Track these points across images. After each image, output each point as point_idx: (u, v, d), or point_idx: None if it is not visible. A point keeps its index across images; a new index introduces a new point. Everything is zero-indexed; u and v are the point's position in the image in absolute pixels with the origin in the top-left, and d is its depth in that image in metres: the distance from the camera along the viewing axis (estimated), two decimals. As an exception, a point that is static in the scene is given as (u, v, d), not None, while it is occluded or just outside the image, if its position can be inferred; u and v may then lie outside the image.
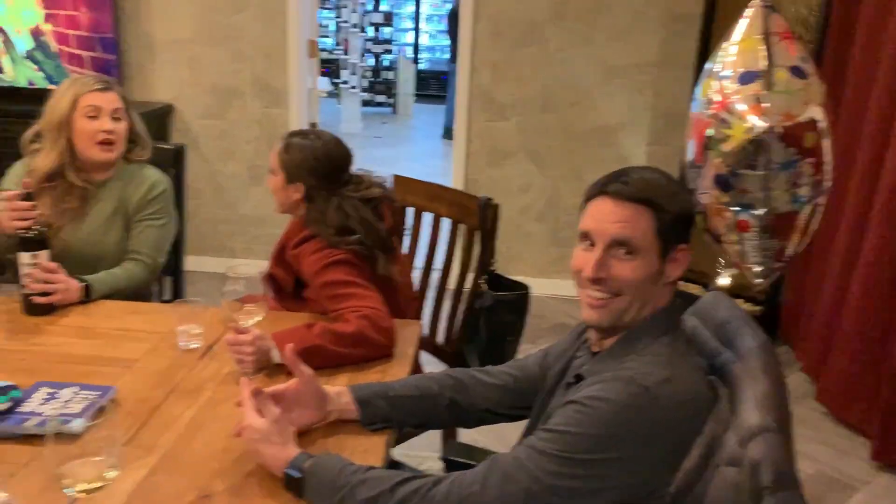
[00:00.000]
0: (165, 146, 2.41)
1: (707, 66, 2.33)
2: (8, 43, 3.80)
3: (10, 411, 1.33)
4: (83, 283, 1.86)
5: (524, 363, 1.44)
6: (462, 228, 2.17)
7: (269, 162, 1.84)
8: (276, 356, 1.55)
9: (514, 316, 2.08)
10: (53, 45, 3.78)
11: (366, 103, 9.79)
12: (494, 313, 2.05)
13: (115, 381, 1.49)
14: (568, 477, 1.03)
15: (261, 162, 4.05)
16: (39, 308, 1.78)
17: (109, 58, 3.78)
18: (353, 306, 1.64)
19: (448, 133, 9.15)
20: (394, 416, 1.38)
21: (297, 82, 3.96)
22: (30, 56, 3.81)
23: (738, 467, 0.96)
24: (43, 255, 1.77)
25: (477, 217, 2.07)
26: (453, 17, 9.01)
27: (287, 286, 1.94)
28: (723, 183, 2.21)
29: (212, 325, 1.71)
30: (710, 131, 2.20)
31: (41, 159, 2.03)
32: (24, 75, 3.85)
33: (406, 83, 10.49)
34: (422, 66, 11.81)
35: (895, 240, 2.64)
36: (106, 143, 2.03)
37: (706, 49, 3.56)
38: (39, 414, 1.33)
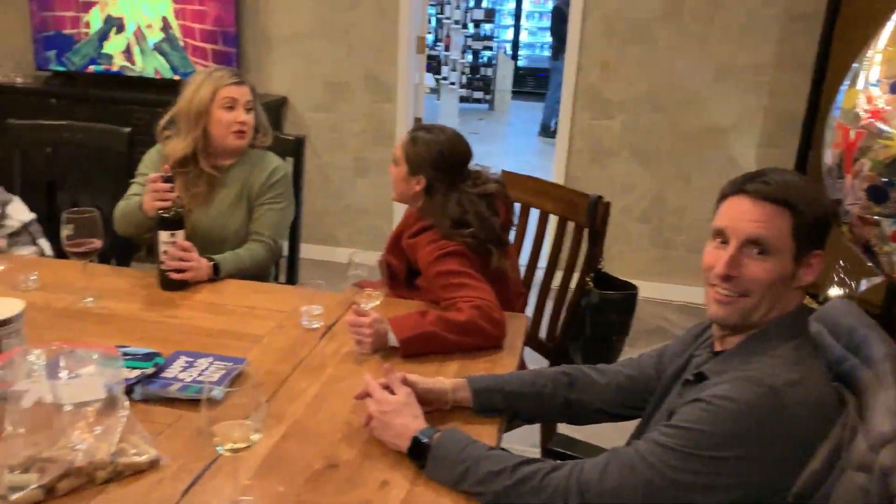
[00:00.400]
0: (287, 136, 2.52)
1: (851, 72, 2.24)
2: (140, 35, 4.05)
3: (154, 376, 1.44)
4: (212, 262, 1.99)
5: (639, 362, 1.45)
6: (570, 226, 2.18)
7: (394, 153, 1.91)
8: (392, 339, 1.61)
9: (621, 315, 2.08)
10: (180, 39, 4.00)
11: (463, 99, 9.87)
12: (600, 312, 2.05)
13: (245, 354, 1.59)
14: (689, 472, 1.04)
15: (367, 154, 4.18)
16: (174, 283, 1.91)
17: (230, 51, 3.97)
18: (465, 296, 1.69)
19: (545, 130, 9.12)
20: (507, 410, 1.42)
21: (405, 77, 4.06)
22: (158, 48, 4.05)
23: (867, 473, 0.95)
24: (179, 235, 1.90)
25: (586, 215, 2.08)
26: (557, 15, 8.96)
27: (400, 274, 2.01)
28: (876, 194, 2.14)
29: (330, 308, 1.80)
30: (862, 141, 2.12)
31: (175, 145, 2.16)
32: (151, 66, 4.09)
33: (504, 80, 10.51)
34: (520, 63, 11.81)
35: None
36: (239, 133, 2.16)
37: (827, 51, 3.44)
38: (181, 380, 1.44)
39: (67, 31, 4.09)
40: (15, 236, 2.38)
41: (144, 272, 2.01)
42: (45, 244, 2.40)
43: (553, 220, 2.25)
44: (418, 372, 1.43)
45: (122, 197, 2.21)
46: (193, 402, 1.34)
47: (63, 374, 1.24)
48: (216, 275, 2.00)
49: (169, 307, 1.84)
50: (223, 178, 2.20)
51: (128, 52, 4.09)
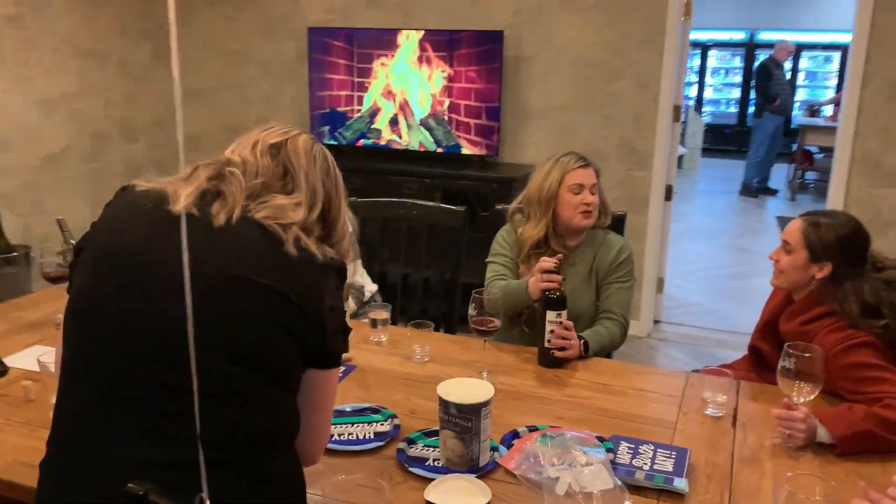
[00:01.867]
0: (616, 214, 2.58)
1: None
2: (407, 110, 4.33)
3: (613, 462, 1.48)
4: (583, 340, 2.05)
5: None
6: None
7: (786, 239, 1.89)
8: (823, 435, 1.57)
9: None
10: (445, 114, 4.25)
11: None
12: None
13: (664, 440, 1.60)
14: None
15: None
16: (555, 361, 1.98)
17: (493, 125, 4.16)
18: (890, 391, 1.63)
19: (746, 190, 8.81)
20: None
21: (663, 145, 4.07)
22: (423, 123, 4.32)
23: None
24: (563, 315, 1.97)
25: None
26: (763, 71, 8.74)
27: (771, 360, 1.97)
28: None
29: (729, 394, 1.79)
30: None
31: (529, 230, 2.27)
32: (417, 140, 4.36)
33: (694, 137, 10.32)
34: (705, 120, 11.56)
35: None
36: (586, 213, 2.24)
37: None
38: (637, 467, 1.47)
39: (341, 109, 4.45)
40: (365, 304, 2.58)
41: (520, 347, 2.10)
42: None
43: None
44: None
45: (459, 271, 2.36)
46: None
47: (579, 460, 1.30)
48: (585, 352, 2.05)
49: (561, 385, 1.90)
50: (572, 258, 2.28)
51: (395, 126, 4.38)
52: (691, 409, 1.77)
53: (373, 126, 4.43)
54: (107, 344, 1.10)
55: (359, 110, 4.43)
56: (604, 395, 1.85)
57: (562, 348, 1.97)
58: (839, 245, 1.81)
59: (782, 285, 1.94)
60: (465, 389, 1.50)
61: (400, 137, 4.39)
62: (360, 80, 4.38)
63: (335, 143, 4.49)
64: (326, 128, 4.50)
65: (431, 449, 1.55)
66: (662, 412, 1.76)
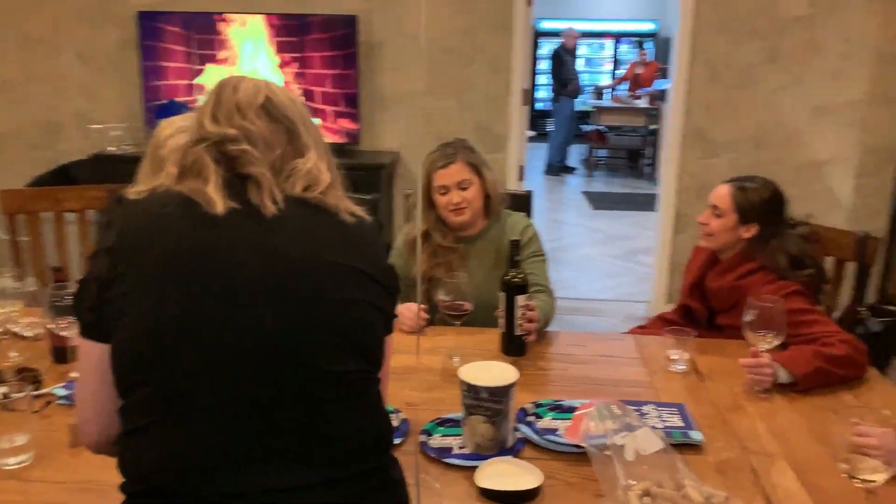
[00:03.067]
0: (519, 192, 2.66)
1: None
2: (257, 100, 4.11)
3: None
4: None
5: None
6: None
7: (716, 204, 2.06)
8: (783, 376, 1.76)
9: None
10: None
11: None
12: (879, 338, 2.24)
13: (648, 398, 1.70)
14: None
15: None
16: (522, 348, 1.95)
17: (351, 111, 4.08)
18: (827, 332, 1.84)
19: (550, 169, 9.43)
20: None
21: (516, 128, 4.24)
22: (276, 112, 4.12)
23: None
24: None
25: (854, 250, 2.28)
26: (555, 58, 9.37)
27: (701, 316, 2.16)
28: None
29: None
30: None
31: (415, 226, 2.30)
32: (270, 129, 4.15)
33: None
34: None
35: None
36: (456, 211, 2.22)
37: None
38: (654, 427, 1.54)
39: (181, 99, 4.12)
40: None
41: (475, 329, 2.10)
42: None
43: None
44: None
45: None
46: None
47: (636, 426, 1.34)
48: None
49: (531, 360, 1.93)
50: (472, 249, 2.27)
51: (244, 117, 4.14)
52: (658, 368, 1.89)
53: (219, 117, 4.14)
54: (218, 372, 0.96)
55: (198, 101, 4.12)
56: (575, 365, 1.92)
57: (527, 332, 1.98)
58: (764, 207, 2.02)
59: (712, 246, 2.12)
60: (488, 372, 1.49)
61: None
62: (202, 67, 4.08)
63: (177, 136, 4.15)
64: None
65: (451, 437, 1.52)
66: (635, 374, 1.86)
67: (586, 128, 10.47)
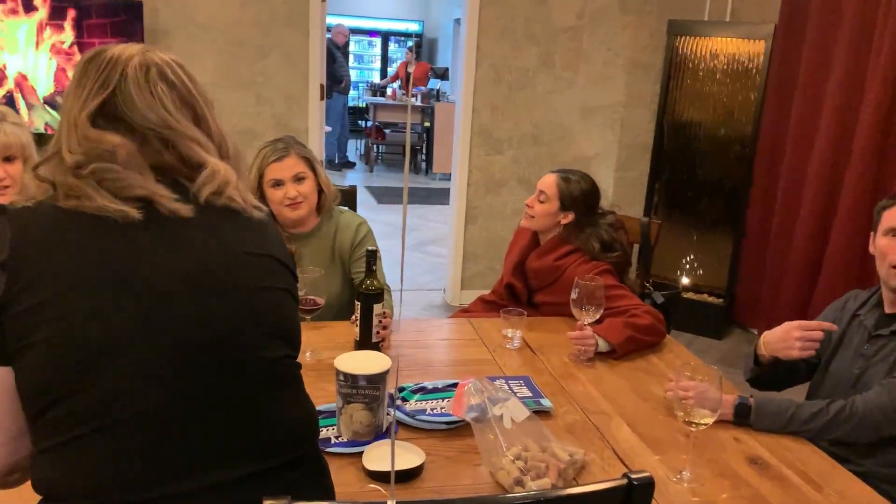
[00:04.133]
0: (344, 188, 2.70)
1: None
2: (25, 87, 3.71)
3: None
4: None
5: None
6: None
7: (542, 190, 2.27)
8: (602, 345, 2.00)
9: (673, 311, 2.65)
10: (76, 91, 3.75)
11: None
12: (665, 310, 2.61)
13: (493, 373, 1.87)
14: None
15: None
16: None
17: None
18: (633, 304, 2.13)
19: (332, 164, 9.47)
20: None
21: (315, 122, 4.25)
22: (48, 101, 3.75)
23: None
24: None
25: (640, 233, 2.64)
26: (328, 55, 9.37)
27: (523, 295, 2.38)
28: None
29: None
30: None
31: None
32: (42, 121, 3.76)
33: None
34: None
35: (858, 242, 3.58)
36: (293, 206, 2.21)
37: (666, 92, 4.41)
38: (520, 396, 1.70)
39: (-71, 85, 3.60)
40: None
41: (320, 324, 2.12)
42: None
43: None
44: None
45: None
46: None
47: (504, 398, 1.47)
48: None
49: (385, 349, 2.00)
50: (304, 248, 2.27)
51: (10, 107, 3.71)
52: (496, 346, 2.06)
53: (-24, 106, 3.67)
54: (147, 377, 0.92)
55: (-45, 87, 3.63)
56: (422, 350, 2.03)
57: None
58: (583, 197, 2.27)
59: (533, 227, 2.33)
60: (360, 361, 1.54)
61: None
62: (-46, 49, 3.59)
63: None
64: None
65: (324, 429, 1.55)
66: (477, 353, 2.01)
67: (363, 124, 10.65)
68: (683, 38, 4.29)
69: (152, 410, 0.92)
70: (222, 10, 4.01)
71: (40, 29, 3.66)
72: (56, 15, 3.66)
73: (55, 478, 0.92)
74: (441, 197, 7.82)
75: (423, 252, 5.89)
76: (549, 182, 2.31)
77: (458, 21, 10.58)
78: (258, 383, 0.99)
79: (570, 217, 2.28)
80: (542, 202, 2.30)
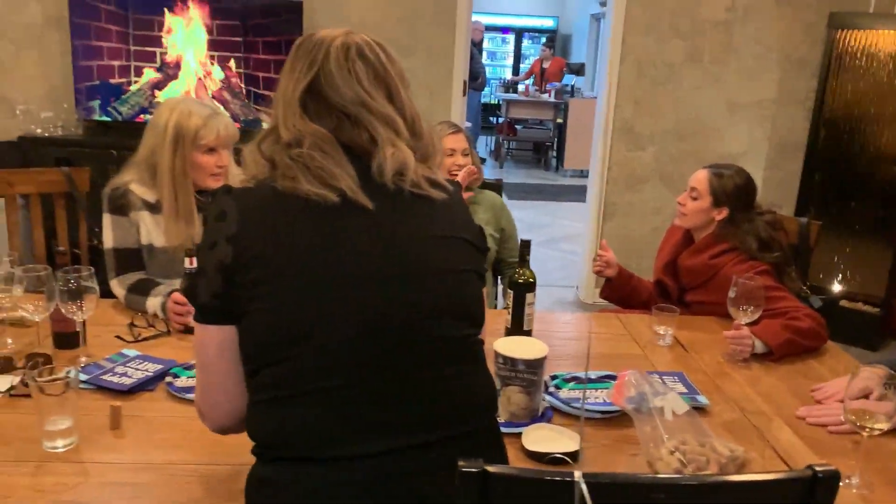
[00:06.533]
0: (490, 181, 2.77)
1: None
2: (197, 83, 4.02)
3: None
4: None
5: None
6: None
7: (694, 186, 2.24)
8: (759, 346, 1.95)
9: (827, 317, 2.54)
10: (241, 86, 4.02)
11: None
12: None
13: (647, 369, 1.86)
14: None
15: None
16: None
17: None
18: (793, 307, 2.06)
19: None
20: None
21: (458, 117, 4.35)
22: (216, 97, 4.04)
23: None
24: None
25: (795, 236, 2.53)
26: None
27: (674, 293, 2.35)
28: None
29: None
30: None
31: None
32: (209, 114, 4.06)
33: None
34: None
35: None
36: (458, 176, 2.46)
37: (823, 88, 4.19)
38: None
39: (115, 81, 3.97)
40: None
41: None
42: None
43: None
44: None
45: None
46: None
47: (662, 391, 1.48)
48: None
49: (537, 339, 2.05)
50: None
51: (182, 101, 4.03)
52: (646, 342, 2.05)
53: (155, 100, 4.02)
54: (352, 348, 1.02)
55: (136, 82, 3.99)
56: (573, 341, 2.06)
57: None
58: (736, 193, 2.22)
59: (686, 225, 2.30)
60: (519, 346, 1.59)
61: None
62: (137, 48, 3.94)
63: (109, 118, 3.99)
64: (96, 102, 3.98)
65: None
66: (627, 348, 2.02)
67: (494, 120, 10.72)
68: (845, 31, 4.06)
69: (349, 382, 1.01)
70: (373, 10, 4.18)
71: (209, 29, 3.95)
72: (223, 15, 3.93)
73: (267, 429, 1.03)
74: (572, 194, 7.77)
75: (554, 249, 5.89)
76: (700, 178, 2.26)
77: (595, 16, 10.45)
78: (446, 358, 1.06)
79: (725, 213, 2.22)
80: (693, 199, 2.26)
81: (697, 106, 4.39)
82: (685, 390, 1.72)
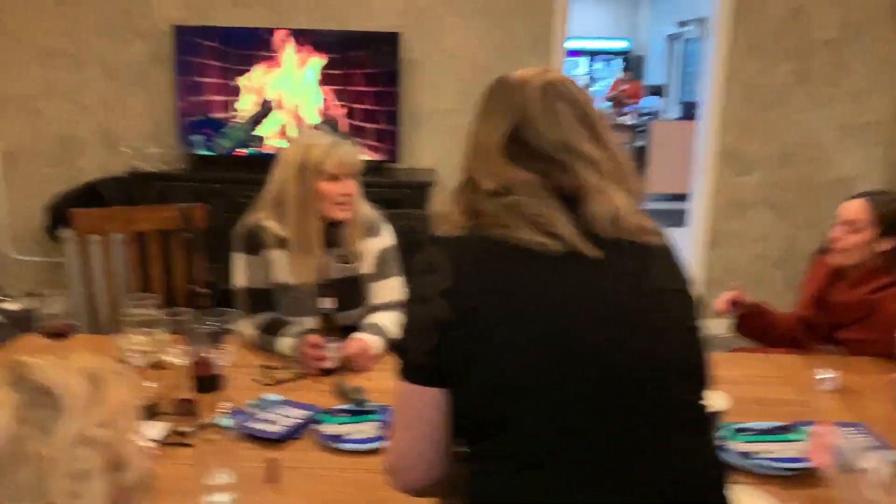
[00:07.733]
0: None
1: None
2: (296, 116, 4.04)
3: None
4: None
5: None
6: None
7: (852, 219, 2.07)
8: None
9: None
10: (338, 118, 4.03)
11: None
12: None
13: (809, 418, 1.71)
14: None
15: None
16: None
17: (391, 129, 4.03)
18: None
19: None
20: None
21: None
22: (315, 129, 4.06)
23: None
24: None
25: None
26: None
27: (821, 329, 2.18)
28: None
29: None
30: None
31: None
32: (307, 146, 4.08)
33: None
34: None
35: None
36: None
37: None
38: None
39: (217, 116, 4.02)
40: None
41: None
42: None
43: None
44: None
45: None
46: None
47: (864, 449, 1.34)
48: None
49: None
50: None
51: (283, 133, 4.07)
52: (805, 386, 1.90)
53: (254, 133, 4.06)
54: (581, 413, 0.94)
55: (237, 117, 4.03)
56: (723, 385, 1.91)
57: None
58: (898, 220, 2.04)
59: (847, 262, 2.10)
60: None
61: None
62: (238, 84, 3.99)
63: (211, 153, 4.05)
64: (200, 137, 4.04)
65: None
66: (781, 392, 1.87)
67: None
68: (971, 45, 3.82)
69: (573, 448, 0.92)
70: (468, 39, 4.15)
71: (305, 62, 3.97)
72: (323, 47, 3.95)
73: (504, 499, 0.94)
74: (660, 218, 7.54)
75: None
76: (856, 208, 2.09)
77: (672, 37, 10.26)
78: (672, 424, 0.96)
79: (890, 244, 2.05)
80: (855, 232, 2.08)
81: (806, 129, 4.20)
82: (878, 444, 1.57)
